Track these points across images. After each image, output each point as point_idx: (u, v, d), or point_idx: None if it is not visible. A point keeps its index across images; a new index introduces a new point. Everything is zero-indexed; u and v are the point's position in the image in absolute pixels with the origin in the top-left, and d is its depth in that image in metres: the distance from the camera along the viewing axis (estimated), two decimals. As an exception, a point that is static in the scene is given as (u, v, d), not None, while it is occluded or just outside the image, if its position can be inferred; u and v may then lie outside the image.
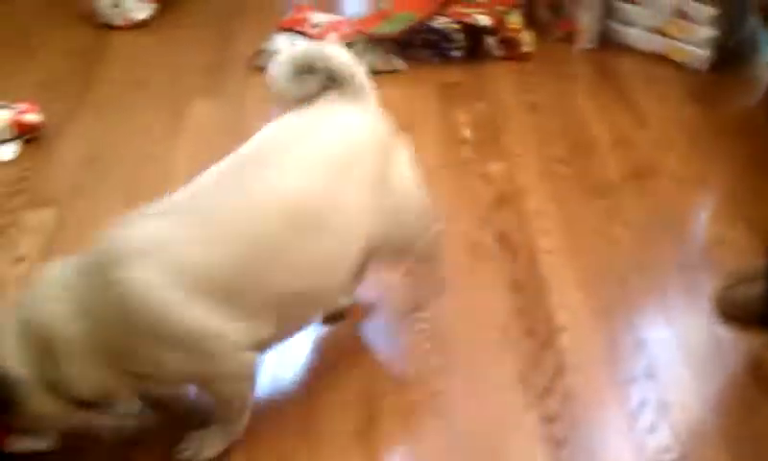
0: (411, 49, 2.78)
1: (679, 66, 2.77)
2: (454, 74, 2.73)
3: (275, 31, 2.76)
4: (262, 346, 1.54)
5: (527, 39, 2.83)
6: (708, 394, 1.77)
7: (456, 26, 2.76)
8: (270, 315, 1.51)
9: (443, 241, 1.93)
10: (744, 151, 2.42)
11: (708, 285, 1.91)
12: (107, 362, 1.42)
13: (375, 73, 2.67)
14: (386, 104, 2.62)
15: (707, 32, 2.73)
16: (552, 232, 2.14)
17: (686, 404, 1.74)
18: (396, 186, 1.69)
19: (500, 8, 2.83)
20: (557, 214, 2.20)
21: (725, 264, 2.02)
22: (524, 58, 2.81)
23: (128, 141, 2.37)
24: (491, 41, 2.79)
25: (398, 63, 2.75)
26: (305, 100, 1.66)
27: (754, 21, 2.84)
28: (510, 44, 2.81)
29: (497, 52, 2.80)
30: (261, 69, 2.67)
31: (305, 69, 1.64)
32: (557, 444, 1.66)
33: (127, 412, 1.62)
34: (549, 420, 1.70)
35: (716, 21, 2.71)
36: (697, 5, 2.72)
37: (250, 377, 1.57)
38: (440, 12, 2.77)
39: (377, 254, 1.72)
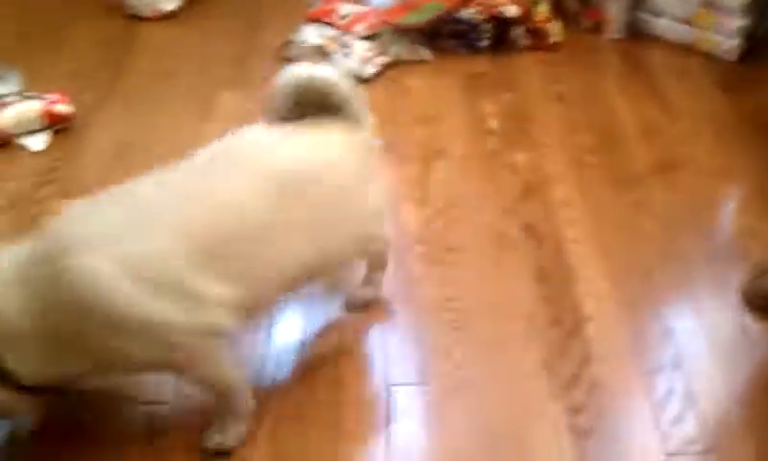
0: (438, 39, 2.77)
1: (708, 56, 2.75)
2: (481, 64, 2.72)
3: (302, 22, 2.77)
4: (219, 332, 1.54)
5: (555, 30, 2.82)
6: (734, 385, 1.76)
7: (483, 16, 2.75)
8: (219, 306, 1.51)
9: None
10: (774, 142, 2.40)
11: (736, 276, 1.90)
12: (57, 349, 1.42)
13: (402, 63, 2.71)
14: (412, 94, 2.66)
15: (736, 22, 2.70)
16: (579, 223, 2.14)
17: (713, 395, 1.73)
18: (357, 214, 1.72)
19: (528, -3, 2.82)
20: (584, 205, 2.19)
21: (752, 255, 2.01)
22: (552, 48, 2.79)
23: (156, 132, 2.39)
24: (518, 32, 2.78)
25: (425, 54, 2.75)
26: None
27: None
28: (537, 34, 2.79)
29: (525, 42, 2.79)
30: (289, 60, 2.69)
31: (303, 97, 1.66)
32: (582, 434, 1.66)
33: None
34: (575, 410, 1.70)
35: (746, 11, 2.69)
36: (727, -6, 2.69)
37: (217, 363, 1.57)
38: (467, 2, 2.77)
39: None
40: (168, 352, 1.49)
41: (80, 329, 1.42)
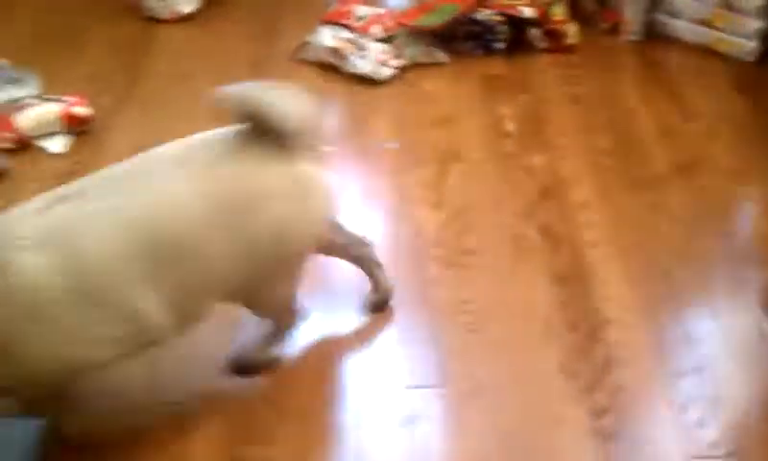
0: (454, 41, 2.77)
1: (725, 58, 2.73)
2: (497, 66, 2.72)
3: (319, 24, 2.77)
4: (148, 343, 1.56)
5: (572, 31, 2.81)
6: (756, 388, 1.75)
7: (499, 18, 2.74)
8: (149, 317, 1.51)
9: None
10: (793, 143, 2.39)
11: (756, 279, 1.89)
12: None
13: (418, 66, 2.71)
14: (428, 97, 2.65)
15: (754, 23, 2.69)
16: (597, 225, 2.13)
17: (735, 399, 1.72)
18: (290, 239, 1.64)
19: (544, -1, 2.81)
20: (602, 207, 2.19)
21: (773, 257, 2.00)
22: (569, 50, 2.78)
23: (174, 134, 2.36)
24: (534, 33, 2.77)
25: (441, 56, 2.74)
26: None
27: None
28: (554, 36, 2.79)
29: (541, 44, 2.78)
30: (305, 62, 2.70)
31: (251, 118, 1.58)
32: (605, 438, 1.65)
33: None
34: (597, 414, 1.69)
35: (764, 12, 2.67)
36: (744, -5, 2.68)
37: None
38: (483, 3, 2.76)
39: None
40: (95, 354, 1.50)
41: (21, 327, 1.43)
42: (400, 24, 2.76)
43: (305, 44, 2.74)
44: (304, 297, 1.79)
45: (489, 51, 2.77)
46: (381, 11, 2.86)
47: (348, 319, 1.92)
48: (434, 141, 2.43)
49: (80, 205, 1.50)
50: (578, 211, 2.17)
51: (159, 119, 2.45)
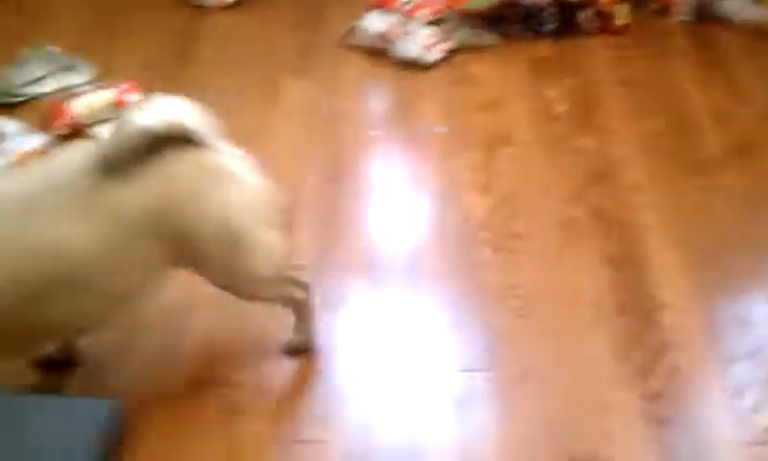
0: (502, 24, 2.74)
1: (781, 38, 2.67)
2: (546, 49, 2.69)
3: (366, 9, 2.77)
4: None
5: (622, 12, 2.76)
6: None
7: (549, 0, 2.71)
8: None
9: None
10: None
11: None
12: None
13: (466, 49, 2.69)
14: (476, 80, 2.63)
15: (812, 1, 2.62)
16: (650, 208, 2.10)
17: (791, 384, 1.69)
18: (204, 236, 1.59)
19: (594, -20, 2.77)
20: (655, 190, 2.15)
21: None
22: (619, 31, 2.74)
23: (222, 121, 2.41)
24: (584, 15, 2.73)
25: (489, 39, 2.72)
26: None
27: None
28: (604, 17, 2.74)
29: (591, 25, 2.74)
30: (352, 48, 2.69)
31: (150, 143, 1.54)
32: (658, 422, 1.63)
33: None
34: (650, 398, 1.67)
35: (823, -10, 2.60)
36: (801, -28, 2.61)
37: None
38: (532, -14, 2.73)
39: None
40: None
41: None
42: (448, 7, 2.74)
43: (352, 29, 2.73)
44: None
45: (537, 33, 2.73)
46: (429, -6, 2.83)
47: (397, 301, 1.93)
48: (482, 125, 2.42)
49: None
50: (630, 195, 2.14)
51: (207, 106, 2.46)
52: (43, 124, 2.37)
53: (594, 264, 1.97)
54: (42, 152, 2.24)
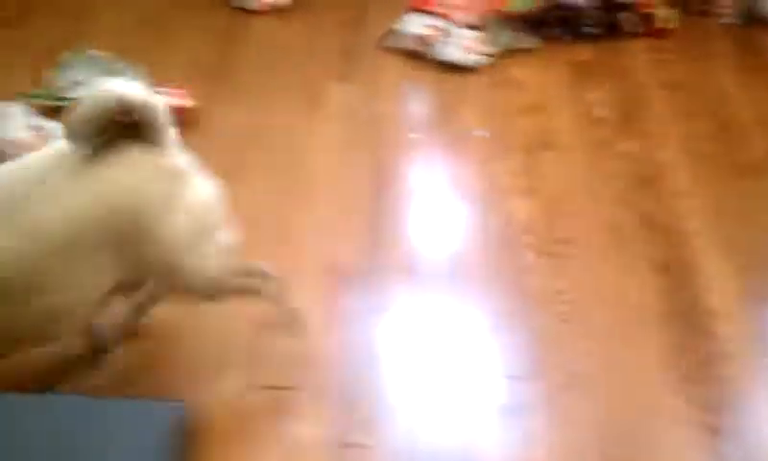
0: (544, 26, 2.72)
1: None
2: (588, 52, 2.67)
3: (406, 11, 2.76)
4: None
5: (666, 15, 2.73)
6: None
7: (591, 2, 2.69)
8: None
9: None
10: None
11: None
12: None
13: (507, 52, 2.67)
14: (518, 83, 2.62)
15: None
16: (695, 213, 2.08)
17: None
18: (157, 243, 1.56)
19: (637, -18, 2.75)
20: (701, 195, 2.13)
21: None
22: (663, 34, 2.71)
23: (266, 125, 2.42)
24: (627, 17, 2.71)
25: (531, 41, 2.70)
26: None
27: None
28: (647, 20, 2.72)
29: (634, 28, 2.72)
30: (392, 50, 2.69)
31: (109, 119, 1.51)
32: (710, 431, 1.61)
33: None
34: (699, 406, 1.65)
35: None
36: None
37: None
38: (574, -12, 2.71)
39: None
40: None
41: None
42: (490, 10, 2.73)
43: (391, 32, 2.73)
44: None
45: (579, 36, 2.72)
46: (469, -3, 2.82)
47: (441, 305, 1.92)
48: (524, 129, 2.40)
49: None
50: (675, 199, 2.12)
51: (252, 109, 2.48)
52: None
53: (640, 269, 1.95)
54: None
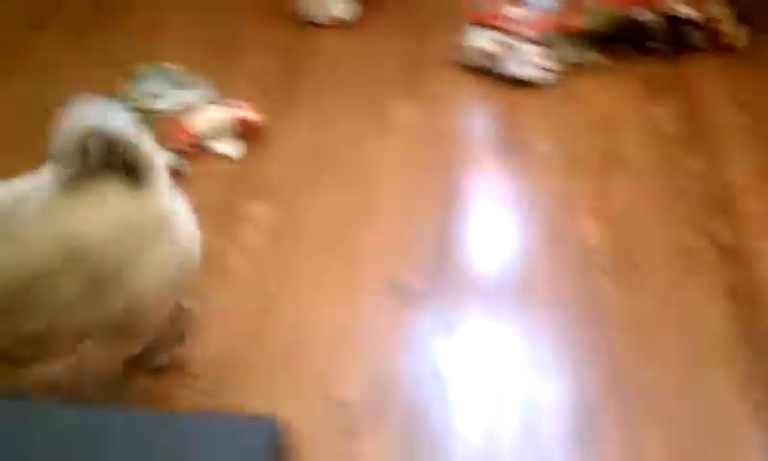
0: (611, 42, 2.72)
1: None
2: (656, 68, 2.65)
3: (470, 26, 2.77)
4: None
5: (736, 31, 2.71)
6: None
7: (658, 18, 2.68)
8: None
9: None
10: None
11: None
12: None
13: (573, 68, 2.67)
14: (585, 100, 2.61)
15: None
16: (768, 236, 2.06)
17: None
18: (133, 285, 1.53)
19: (706, -3, 2.73)
20: (773, 217, 2.11)
21: None
22: (733, 50, 2.69)
23: (337, 138, 2.45)
24: (696, 34, 2.69)
25: (598, 58, 2.70)
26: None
27: None
28: (717, 36, 2.70)
29: (703, 44, 2.70)
30: (456, 66, 2.69)
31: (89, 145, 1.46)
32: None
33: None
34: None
35: None
36: None
37: None
38: (641, 3, 2.70)
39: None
40: None
41: None
42: (555, 26, 2.73)
43: (457, 47, 2.74)
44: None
45: (646, 52, 2.70)
46: (533, 12, 2.82)
47: (510, 327, 1.93)
48: (593, 146, 2.40)
49: None
50: (751, 221, 2.11)
51: (322, 125, 2.50)
52: (162, 139, 2.42)
53: (714, 294, 1.94)
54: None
